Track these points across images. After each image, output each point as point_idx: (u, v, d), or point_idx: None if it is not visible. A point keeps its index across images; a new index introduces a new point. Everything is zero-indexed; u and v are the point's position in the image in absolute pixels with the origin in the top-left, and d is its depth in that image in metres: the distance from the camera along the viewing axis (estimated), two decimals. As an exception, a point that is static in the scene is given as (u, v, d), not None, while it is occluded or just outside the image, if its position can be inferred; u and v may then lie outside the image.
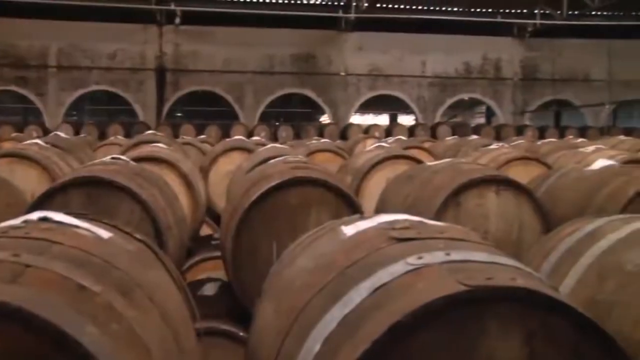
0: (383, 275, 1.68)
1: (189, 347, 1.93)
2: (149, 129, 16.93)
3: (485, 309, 1.50)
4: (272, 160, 5.28)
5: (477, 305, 1.50)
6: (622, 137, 13.00)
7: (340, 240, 2.11)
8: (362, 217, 2.39)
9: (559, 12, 22.06)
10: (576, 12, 21.76)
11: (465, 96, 25.52)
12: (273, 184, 3.84)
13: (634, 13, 23.90)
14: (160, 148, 6.69)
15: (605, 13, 23.73)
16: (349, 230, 2.14)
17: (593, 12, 22.89)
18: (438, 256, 1.71)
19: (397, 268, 1.68)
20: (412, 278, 1.62)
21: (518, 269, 1.72)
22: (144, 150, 6.38)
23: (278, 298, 2.15)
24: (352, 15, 22.17)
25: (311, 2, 22.99)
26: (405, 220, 2.12)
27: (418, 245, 1.83)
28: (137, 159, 5.14)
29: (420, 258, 1.70)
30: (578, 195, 4.42)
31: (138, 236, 2.25)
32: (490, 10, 23.75)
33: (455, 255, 1.70)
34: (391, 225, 2.05)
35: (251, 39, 22.54)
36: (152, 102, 22.61)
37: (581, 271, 2.44)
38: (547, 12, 22.97)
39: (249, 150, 8.22)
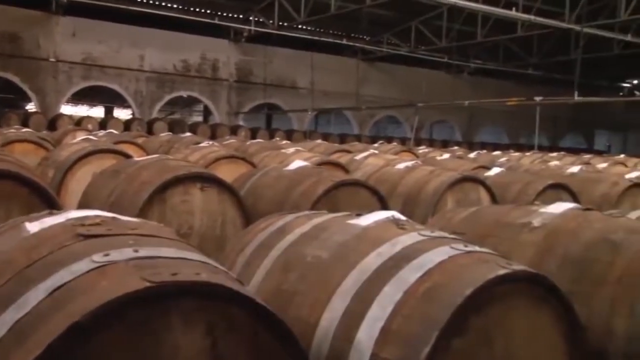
0: (64, 275, 1.59)
1: None
2: None
3: (168, 304, 1.52)
4: (-47, 150, 4.64)
5: (161, 301, 1.51)
6: (319, 141, 14.42)
7: (22, 237, 1.94)
8: (51, 213, 2.23)
9: (271, 21, 23.51)
10: (286, 24, 23.41)
11: (184, 94, 25.66)
12: (-50, 176, 3.37)
13: (332, 31, 26.68)
14: None
15: (310, 28, 26.02)
16: (33, 227, 1.98)
17: (300, 26, 24.92)
18: (126, 253, 1.68)
19: (81, 266, 1.61)
20: (95, 276, 1.57)
21: (205, 263, 1.77)
22: None
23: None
24: (65, -2, 20.67)
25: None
26: (97, 216, 2.04)
27: (106, 242, 1.77)
28: None
29: (106, 255, 1.65)
30: (277, 192, 4.75)
31: None
32: (209, 11, 24.25)
33: (143, 252, 1.69)
34: (80, 221, 1.95)
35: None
36: None
37: (270, 263, 2.62)
38: (261, 20, 24.33)
39: None
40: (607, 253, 2.61)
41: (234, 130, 21.70)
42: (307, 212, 3.04)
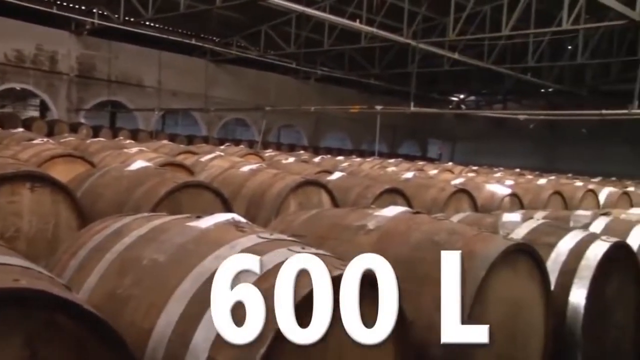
0: None
1: None
2: None
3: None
4: None
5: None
6: (165, 141, 14.02)
7: None
8: None
9: (116, 15, 22.50)
10: (132, 19, 22.54)
11: (17, 86, 23.71)
12: None
13: (181, 30, 26.16)
14: None
15: (158, 25, 25.27)
16: None
17: (148, 23, 24.10)
18: None
19: None
20: None
21: (27, 268, 1.66)
22: None
23: None
24: None
25: None
26: None
27: None
28: None
29: None
30: (117, 193, 4.56)
31: None
32: (46, -1, 22.70)
33: (-46, 257, 1.55)
34: None
35: None
36: None
37: (105, 267, 2.51)
38: (106, 13, 23.20)
39: None
40: (431, 253, 2.82)
41: (74, 128, 20.45)
42: (146, 214, 2.95)
